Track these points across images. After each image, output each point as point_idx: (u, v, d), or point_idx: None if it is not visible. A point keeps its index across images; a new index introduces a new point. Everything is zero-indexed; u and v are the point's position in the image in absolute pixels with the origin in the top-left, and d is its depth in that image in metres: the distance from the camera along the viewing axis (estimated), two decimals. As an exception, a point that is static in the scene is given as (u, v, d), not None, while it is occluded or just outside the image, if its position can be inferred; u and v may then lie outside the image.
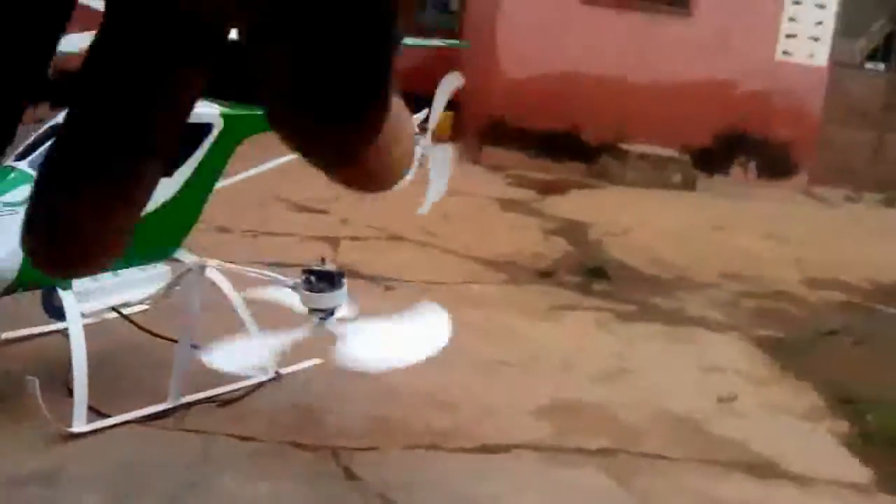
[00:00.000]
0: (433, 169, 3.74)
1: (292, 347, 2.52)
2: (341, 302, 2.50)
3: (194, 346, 2.93)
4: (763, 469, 2.96)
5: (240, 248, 4.98)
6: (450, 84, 3.66)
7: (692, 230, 7.14)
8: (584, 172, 9.83)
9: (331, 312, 2.49)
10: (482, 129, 9.77)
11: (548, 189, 8.70)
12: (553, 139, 9.87)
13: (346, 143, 0.71)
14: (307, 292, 2.47)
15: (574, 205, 8.02)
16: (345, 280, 2.51)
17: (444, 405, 3.14)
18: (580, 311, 4.66)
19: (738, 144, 10.18)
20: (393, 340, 2.53)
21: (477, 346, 3.81)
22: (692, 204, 8.62)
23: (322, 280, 2.47)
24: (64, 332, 3.11)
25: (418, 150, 3.64)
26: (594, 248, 6.26)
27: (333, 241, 5.49)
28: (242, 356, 2.47)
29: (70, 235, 0.72)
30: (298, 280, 2.50)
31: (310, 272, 2.48)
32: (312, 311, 2.49)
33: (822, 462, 3.09)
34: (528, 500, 2.56)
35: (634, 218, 7.31)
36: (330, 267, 2.51)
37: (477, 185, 8.37)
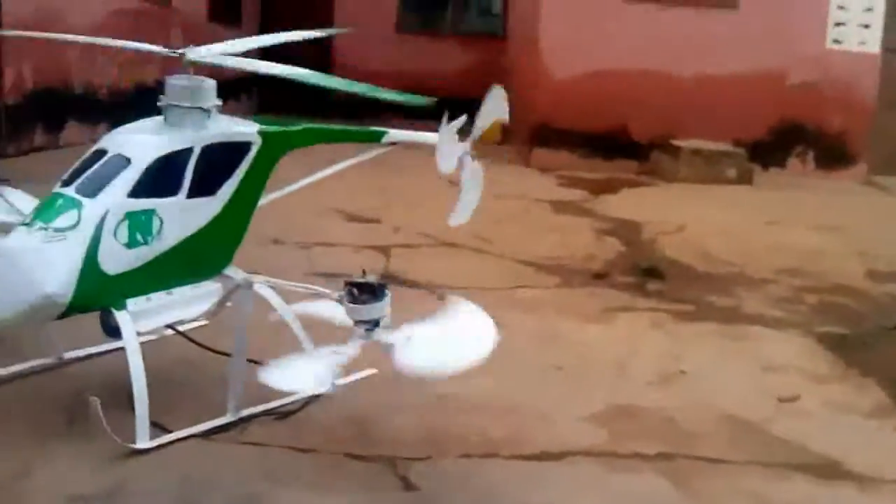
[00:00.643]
0: (465, 183, 3.75)
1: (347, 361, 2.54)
2: (385, 313, 2.52)
3: (250, 361, 2.99)
4: (825, 470, 2.90)
5: (293, 259, 5.06)
6: (494, 100, 3.65)
7: (748, 225, 7.02)
8: (636, 170, 9.73)
9: (375, 323, 2.50)
10: (531, 132, 9.74)
11: (599, 189, 8.63)
12: (602, 138, 9.80)
13: None
14: (351, 304, 2.49)
15: (626, 204, 7.94)
16: (388, 290, 2.52)
17: (498, 412, 3.14)
18: (634, 312, 4.62)
19: (793, 136, 9.98)
20: (443, 347, 2.54)
21: (530, 352, 3.81)
22: (748, 198, 8.47)
23: (365, 292, 2.49)
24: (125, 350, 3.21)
25: (460, 155, 3.66)
26: (648, 247, 6.19)
27: (385, 250, 5.52)
28: (301, 375, 2.49)
29: None
30: (342, 292, 2.52)
31: (352, 284, 2.50)
32: (358, 322, 2.51)
33: (888, 462, 3.01)
34: (585, 507, 2.55)
35: (688, 215, 7.20)
36: (371, 278, 2.52)
37: (528, 187, 8.35)
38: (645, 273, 5.37)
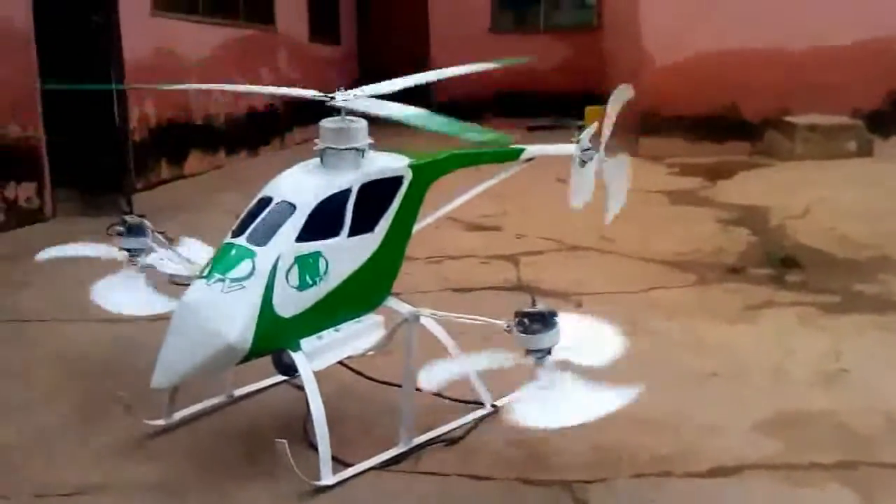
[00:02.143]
0: (610, 180, 3.74)
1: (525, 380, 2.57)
2: (557, 341, 2.53)
3: (418, 390, 3.06)
4: None
5: (426, 275, 5.12)
6: (620, 97, 3.64)
7: (878, 201, 6.73)
8: (749, 151, 9.49)
9: (548, 352, 2.53)
10: (636, 120, 9.60)
11: (714, 174, 8.44)
12: (712, 121, 9.59)
13: None
14: (522, 335, 2.51)
15: (745, 188, 7.74)
16: (557, 318, 2.53)
17: (662, 427, 3.11)
18: (778, 307, 4.51)
19: (914, 102, 9.56)
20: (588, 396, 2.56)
21: (679, 359, 3.75)
22: (872, 171, 8.13)
23: (535, 321, 2.51)
24: (290, 383, 3.32)
25: (595, 163, 3.65)
26: (778, 234, 6.03)
27: (513, 260, 5.54)
28: (552, 410, 2.55)
29: None
30: (512, 322, 2.55)
31: (523, 314, 2.53)
32: (529, 352, 2.53)
33: None
34: (775, 526, 2.50)
35: (812, 195, 6.97)
36: (541, 307, 2.54)
37: (640, 178, 8.14)
38: (782, 263, 5.24)
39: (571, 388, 2.51)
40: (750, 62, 9.44)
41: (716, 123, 9.63)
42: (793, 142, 8.98)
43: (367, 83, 3.12)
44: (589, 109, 10.75)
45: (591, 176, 3.58)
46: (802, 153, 8.82)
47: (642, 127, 9.65)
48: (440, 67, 14.04)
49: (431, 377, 2.68)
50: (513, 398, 2.73)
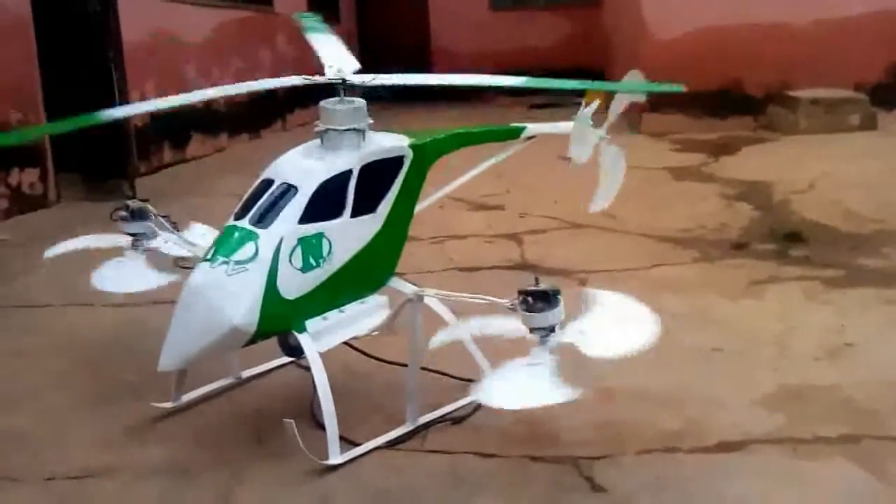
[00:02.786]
0: (604, 168, 3.73)
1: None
2: (560, 319, 2.53)
3: (423, 369, 3.08)
4: None
5: (430, 255, 5.14)
6: (631, 80, 3.63)
7: (883, 175, 6.72)
8: (753, 126, 9.46)
9: (551, 329, 2.53)
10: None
11: (717, 150, 8.43)
12: (714, 96, 9.54)
13: None
14: (526, 313, 2.52)
15: (749, 163, 7.73)
16: (560, 296, 2.54)
17: (667, 402, 3.13)
18: (783, 282, 4.51)
19: (917, 74, 9.51)
20: (615, 332, 2.55)
21: (683, 335, 3.76)
22: (876, 145, 8.11)
23: (539, 299, 2.51)
24: (297, 364, 3.34)
25: (596, 142, 3.65)
26: (782, 209, 6.02)
27: (517, 238, 5.54)
28: (527, 391, 2.50)
29: None
30: (516, 301, 2.55)
31: (526, 293, 2.53)
32: (534, 330, 2.53)
33: None
34: (782, 499, 2.51)
35: (816, 169, 6.96)
36: (544, 285, 2.54)
37: (643, 155, 8.18)
38: (786, 238, 5.23)
39: (540, 372, 2.43)
40: (752, 36, 9.39)
41: (719, 99, 9.59)
42: (796, 116, 8.95)
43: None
44: (589, 96, 10.69)
45: (591, 137, 3.57)
46: (806, 127, 8.79)
47: (644, 103, 9.60)
48: (441, 45, 14.06)
49: (436, 340, 2.64)
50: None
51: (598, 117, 3.64)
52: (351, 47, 3.24)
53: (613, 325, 2.59)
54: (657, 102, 9.58)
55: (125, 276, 3.28)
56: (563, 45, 12.96)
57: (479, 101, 11.70)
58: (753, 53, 9.37)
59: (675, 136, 9.21)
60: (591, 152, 3.63)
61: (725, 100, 9.61)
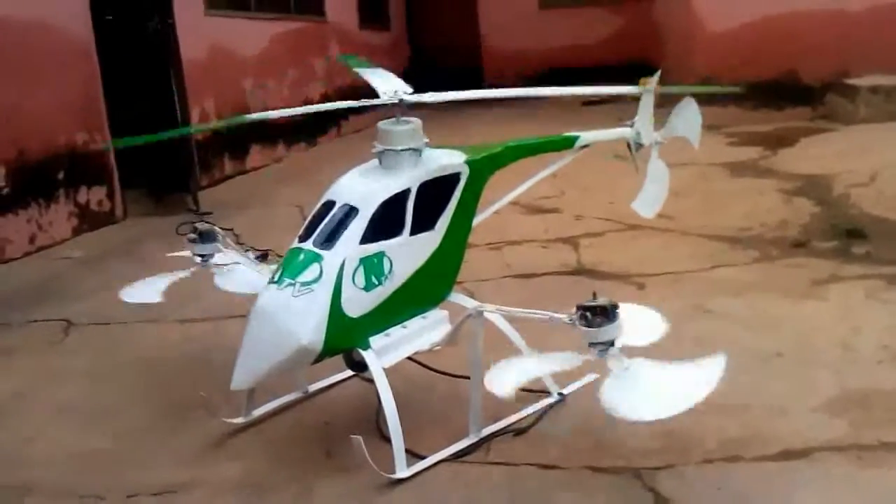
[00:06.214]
0: (650, 174, 3.77)
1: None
2: (619, 334, 2.56)
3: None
4: None
5: (488, 261, 5.19)
6: (685, 113, 3.71)
7: (948, 164, 6.57)
8: (810, 117, 9.31)
9: (611, 344, 2.56)
10: (692, 91, 9.47)
11: (774, 142, 8.31)
12: (770, 87, 9.42)
13: None
14: (585, 328, 2.55)
15: (807, 156, 7.61)
16: (619, 311, 2.56)
17: (728, 409, 3.12)
18: (845, 281, 4.46)
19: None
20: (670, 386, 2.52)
21: (744, 339, 3.76)
22: (940, 132, 7.91)
23: (597, 314, 2.54)
24: (361, 378, 3.43)
25: (651, 142, 3.70)
26: (842, 204, 5.93)
27: (573, 242, 5.57)
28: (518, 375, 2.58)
29: None
30: (574, 316, 2.58)
31: (584, 308, 2.56)
32: (592, 345, 2.56)
33: None
34: (847, 509, 2.52)
35: (878, 160, 6.82)
36: (602, 300, 2.57)
37: (697, 150, 8.07)
38: (847, 235, 5.16)
39: (655, 376, 2.45)
40: (807, 24, 9.24)
41: (774, 89, 9.46)
42: (855, 104, 8.78)
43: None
44: (642, 81, 10.62)
45: (651, 132, 3.63)
46: (865, 116, 8.61)
47: (697, 95, 9.50)
48: (491, 45, 14.10)
49: (503, 383, 2.57)
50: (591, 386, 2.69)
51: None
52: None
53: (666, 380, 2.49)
54: (712, 94, 9.46)
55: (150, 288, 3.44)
56: (614, 41, 12.88)
57: (525, 104, 11.68)
58: (809, 42, 9.21)
59: (731, 129, 9.10)
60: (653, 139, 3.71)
61: (781, 90, 9.48)
